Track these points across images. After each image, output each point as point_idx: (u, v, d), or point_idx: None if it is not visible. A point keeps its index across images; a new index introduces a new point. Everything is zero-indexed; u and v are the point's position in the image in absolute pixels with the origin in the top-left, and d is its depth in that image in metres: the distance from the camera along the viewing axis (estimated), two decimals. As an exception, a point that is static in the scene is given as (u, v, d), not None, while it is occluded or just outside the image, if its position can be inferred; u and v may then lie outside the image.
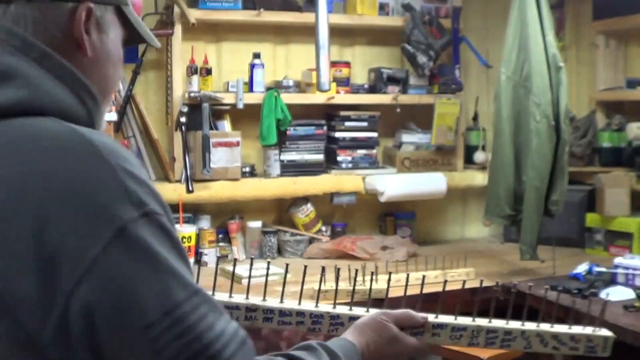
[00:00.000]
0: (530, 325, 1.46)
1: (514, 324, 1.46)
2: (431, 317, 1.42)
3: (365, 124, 3.46)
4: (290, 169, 3.32)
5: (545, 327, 1.47)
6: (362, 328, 1.31)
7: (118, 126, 3.08)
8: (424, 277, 1.60)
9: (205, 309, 0.87)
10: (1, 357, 0.80)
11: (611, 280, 2.73)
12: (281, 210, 3.48)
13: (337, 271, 1.65)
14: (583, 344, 1.47)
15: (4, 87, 0.89)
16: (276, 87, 3.24)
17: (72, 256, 0.80)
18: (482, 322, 1.46)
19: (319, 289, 1.66)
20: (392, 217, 3.62)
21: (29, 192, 0.82)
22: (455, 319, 1.46)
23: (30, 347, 0.80)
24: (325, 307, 1.47)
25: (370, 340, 1.29)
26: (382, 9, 3.49)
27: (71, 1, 0.97)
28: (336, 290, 1.59)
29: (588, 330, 1.49)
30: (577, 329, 1.49)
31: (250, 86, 3.21)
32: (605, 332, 1.50)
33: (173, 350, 0.83)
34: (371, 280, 1.67)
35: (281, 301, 1.48)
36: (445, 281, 1.62)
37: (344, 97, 3.40)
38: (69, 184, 0.82)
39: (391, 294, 1.59)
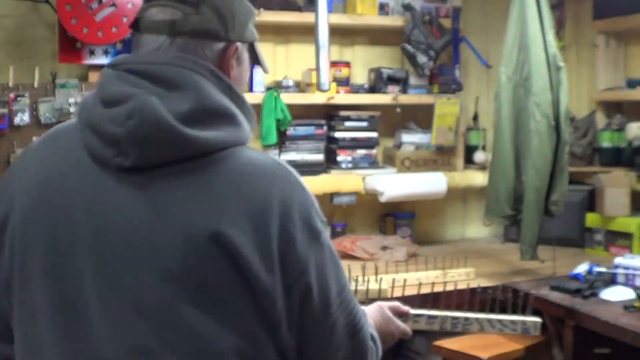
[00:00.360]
0: (481, 314, 1.92)
1: (470, 314, 1.92)
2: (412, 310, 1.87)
3: (365, 124, 3.46)
4: (290, 169, 3.32)
5: (492, 315, 1.93)
6: (369, 312, 1.62)
7: (118, 126, 3.07)
8: (420, 284, 2.03)
9: (351, 291, 1.19)
10: (248, 328, 1.06)
11: (611, 280, 2.73)
12: (281, 210, 3.48)
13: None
14: (520, 326, 1.93)
15: (227, 127, 1.10)
16: (276, 87, 3.24)
17: (295, 257, 1.08)
18: (447, 312, 1.91)
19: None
20: (392, 217, 3.62)
21: (273, 205, 1.08)
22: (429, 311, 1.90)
23: (266, 323, 1.07)
24: None
25: (376, 321, 1.61)
26: (382, 9, 3.49)
27: (224, 41, 1.17)
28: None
29: (522, 317, 1.95)
30: (515, 317, 1.95)
31: (250, 86, 3.21)
32: (535, 318, 1.95)
33: (341, 321, 1.15)
34: (380, 281, 2.14)
35: None
36: (431, 292, 2.05)
37: (344, 97, 3.40)
38: (293, 203, 1.10)
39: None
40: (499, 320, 1.92)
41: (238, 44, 1.19)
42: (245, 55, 1.24)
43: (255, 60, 1.27)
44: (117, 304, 1.05)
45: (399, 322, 1.70)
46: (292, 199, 1.10)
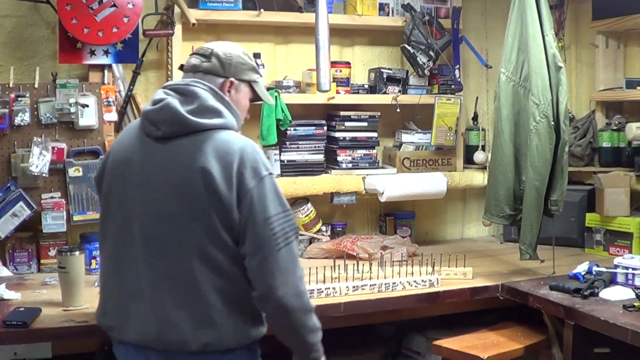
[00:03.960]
0: None
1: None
2: None
3: (365, 124, 3.46)
4: (290, 169, 3.32)
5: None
6: None
7: (118, 126, 3.08)
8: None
9: (290, 221, 1.93)
10: (208, 218, 1.87)
11: (611, 280, 2.73)
12: (281, 210, 3.48)
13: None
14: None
15: (216, 117, 1.95)
16: (276, 87, 3.25)
17: (244, 185, 1.87)
18: None
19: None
20: (392, 217, 3.63)
21: (235, 155, 1.88)
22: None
23: (225, 221, 1.87)
24: None
25: None
26: (382, 9, 3.49)
27: (222, 77, 2.03)
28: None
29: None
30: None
31: (250, 86, 3.21)
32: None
33: (279, 229, 1.87)
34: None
35: None
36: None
37: (344, 97, 3.40)
38: (247, 157, 1.89)
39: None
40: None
41: (233, 79, 2.04)
42: (242, 87, 2.08)
43: (257, 96, 2.14)
44: (148, 204, 1.92)
45: None
46: (247, 155, 1.90)
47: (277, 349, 3.11)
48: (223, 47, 2.08)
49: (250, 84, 2.10)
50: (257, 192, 1.87)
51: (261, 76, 2.17)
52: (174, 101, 1.93)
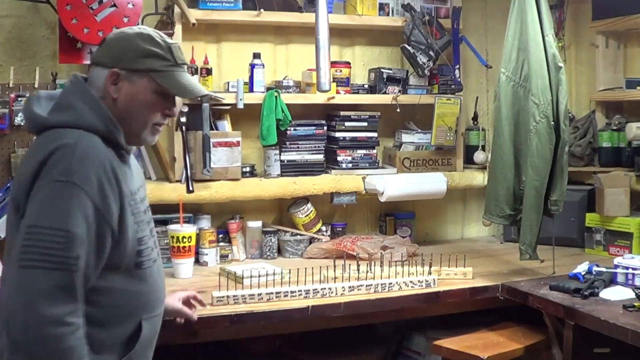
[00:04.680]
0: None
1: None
2: None
3: (365, 124, 3.46)
4: (290, 169, 3.32)
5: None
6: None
7: (118, 126, 3.07)
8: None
9: (64, 249, 1.58)
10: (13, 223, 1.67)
11: (611, 280, 2.73)
12: (281, 210, 3.49)
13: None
14: None
15: (63, 113, 1.72)
16: (276, 87, 3.25)
17: (34, 187, 1.61)
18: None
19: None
20: (392, 217, 3.63)
21: (42, 160, 1.62)
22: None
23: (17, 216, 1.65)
24: None
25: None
26: (382, 9, 3.49)
27: (107, 67, 1.76)
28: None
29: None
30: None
31: (250, 86, 3.22)
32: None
33: (30, 243, 1.57)
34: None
35: None
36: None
37: (344, 97, 3.40)
38: (53, 158, 1.62)
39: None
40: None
41: (118, 70, 1.75)
42: (137, 79, 1.76)
43: (171, 87, 1.79)
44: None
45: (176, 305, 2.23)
46: (54, 156, 1.62)
47: (277, 349, 3.12)
48: (118, 31, 1.82)
49: (149, 74, 1.75)
50: (37, 194, 1.60)
51: (173, 62, 1.79)
52: (33, 96, 1.79)
